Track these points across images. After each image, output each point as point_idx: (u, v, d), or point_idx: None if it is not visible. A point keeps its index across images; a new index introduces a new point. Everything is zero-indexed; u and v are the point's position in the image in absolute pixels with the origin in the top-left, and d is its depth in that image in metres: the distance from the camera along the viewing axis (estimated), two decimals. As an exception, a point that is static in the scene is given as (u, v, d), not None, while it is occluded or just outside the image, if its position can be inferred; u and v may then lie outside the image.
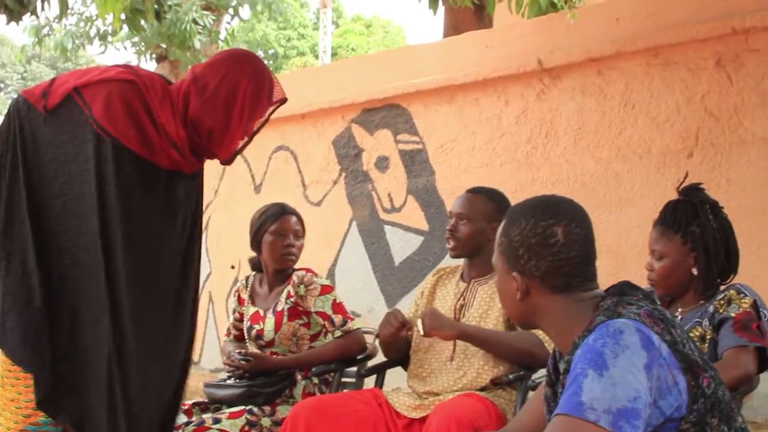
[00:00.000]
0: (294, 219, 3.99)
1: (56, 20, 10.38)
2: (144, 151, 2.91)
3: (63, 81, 2.95)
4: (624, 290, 1.98)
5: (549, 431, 1.77)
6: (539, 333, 3.20)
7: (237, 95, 2.94)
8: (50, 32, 11.16)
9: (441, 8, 7.94)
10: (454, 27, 8.19)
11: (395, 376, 3.88)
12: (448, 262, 3.90)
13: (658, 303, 2.00)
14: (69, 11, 10.06)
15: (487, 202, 3.60)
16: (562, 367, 1.96)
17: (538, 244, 1.99)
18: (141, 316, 2.90)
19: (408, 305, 3.86)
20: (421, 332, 3.39)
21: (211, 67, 2.99)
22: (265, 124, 3.13)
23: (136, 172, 2.91)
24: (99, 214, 2.85)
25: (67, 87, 2.90)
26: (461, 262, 3.70)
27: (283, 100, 3.13)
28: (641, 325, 1.81)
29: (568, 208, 2.05)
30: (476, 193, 3.66)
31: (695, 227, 2.98)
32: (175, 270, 3.06)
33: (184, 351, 3.13)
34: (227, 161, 3.11)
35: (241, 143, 3.08)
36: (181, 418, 3.65)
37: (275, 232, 3.93)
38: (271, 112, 3.13)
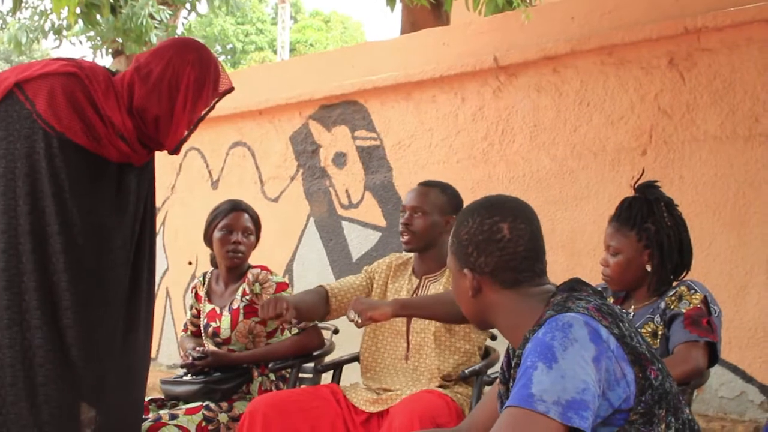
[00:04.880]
0: (245, 216, 3.97)
1: (10, 14, 10.25)
2: (91, 145, 2.88)
3: (4, 77, 2.92)
4: (574, 286, 2.02)
5: (499, 423, 1.79)
6: None
7: (180, 83, 2.93)
8: (4, 26, 11.03)
9: (398, 5, 7.98)
10: (411, 24, 8.22)
11: (352, 372, 3.90)
12: (404, 258, 3.92)
13: (608, 299, 2.04)
14: (23, 5, 9.95)
15: (440, 195, 3.60)
16: (513, 362, 1.99)
17: (486, 240, 2.04)
18: (91, 308, 2.89)
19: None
20: (358, 321, 3.19)
21: (155, 56, 2.97)
22: (210, 111, 3.10)
23: (84, 166, 2.88)
24: (56, 211, 2.83)
25: (8, 83, 2.87)
26: (413, 254, 3.71)
27: (230, 89, 3.11)
28: (590, 319, 1.85)
29: (513, 206, 2.10)
30: (429, 186, 3.65)
31: (650, 224, 3.03)
32: (128, 262, 3.04)
33: (143, 343, 3.11)
34: (174, 150, 3.07)
35: (186, 132, 3.06)
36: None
37: (223, 228, 3.92)
38: (217, 101, 3.10)
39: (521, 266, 2.04)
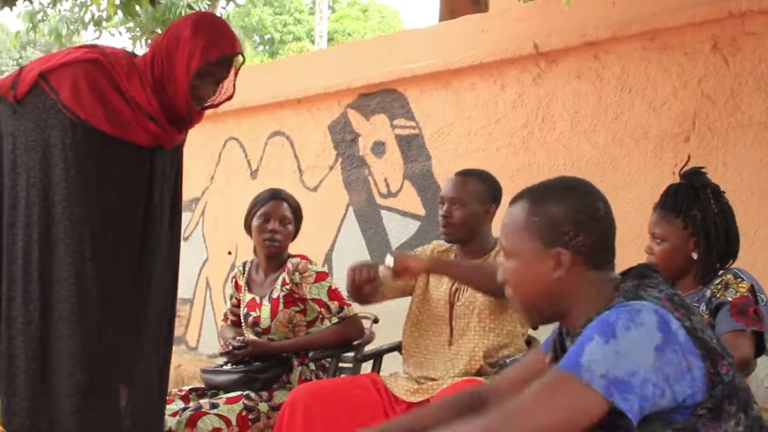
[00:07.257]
0: (284, 205, 3.97)
1: (51, 5, 10.31)
2: (117, 130, 2.89)
3: (30, 69, 2.94)
4: (643, 273, 1.98)
5: (542, 381, 1.80)
6: None
7: (180, 40, 2.93)
8: (45, 18, 11.08)
9: (437, -8, 7.94)
10: (450, 11, 8.17)
11: (392, 362, 3.88)
12: (444, 247, 3.90)
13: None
14: (63, -4, 10.02)
15: (478, 184, 3.57)
16: (569, 342, 1.97)
17: (587, 218, 1.99)
18: (114, 298, 2.90)
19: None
20: (392, 267, 3.33)
21: (169, 27, 3.02)
22: (214, 69, 2.99)
23: (109, 153, 2.90)
24: (83, 200, 2.84)
25: (34, 74, 2.89)
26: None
27: (237, 53, 3.03)
28: (661, 309, 1.81)
29: (594, 188, 2.08)
30: (467, 175, 3.63)
31: (696, 211, 2.98)
32: (153, 249, 3.05)
33: (161, 323, 3.12)
34: (189, 118, 3.02)
35: (191, 90, 2.96)
36: (179, 404, 3.66)
37: (261, 216, 3.93)
38: (223, 65, 3.02)
39: (611, 246, 2.02)
